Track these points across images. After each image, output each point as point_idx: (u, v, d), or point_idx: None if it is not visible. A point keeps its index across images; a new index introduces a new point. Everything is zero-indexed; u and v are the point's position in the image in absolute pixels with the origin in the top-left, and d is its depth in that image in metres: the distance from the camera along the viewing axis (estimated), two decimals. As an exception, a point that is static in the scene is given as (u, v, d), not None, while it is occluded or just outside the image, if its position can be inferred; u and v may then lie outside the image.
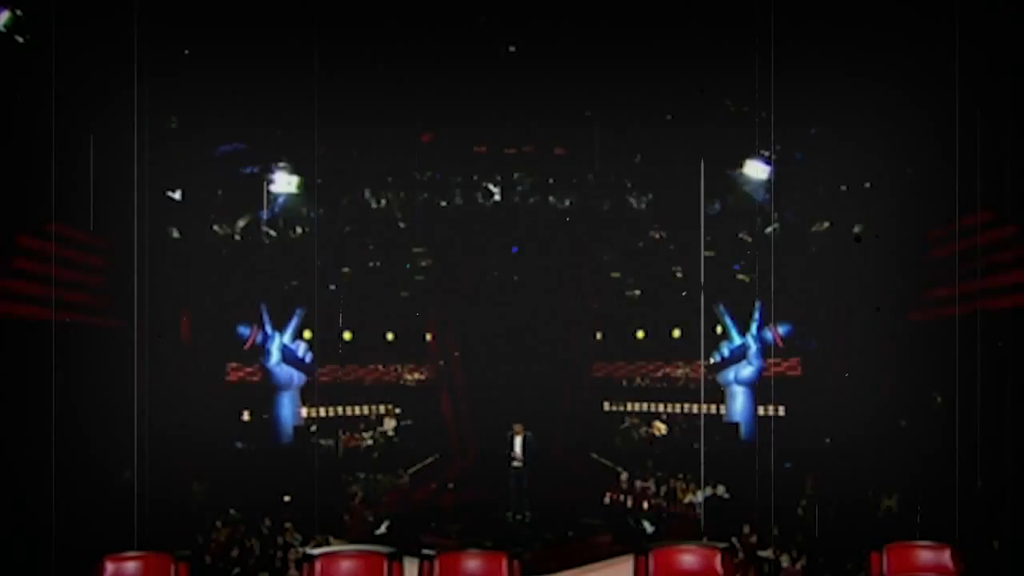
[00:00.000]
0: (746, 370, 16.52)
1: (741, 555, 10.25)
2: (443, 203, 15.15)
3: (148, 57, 9.20)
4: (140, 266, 11.61)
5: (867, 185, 13.99)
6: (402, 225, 17.24)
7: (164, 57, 9.73)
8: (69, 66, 8.95)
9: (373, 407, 20.07)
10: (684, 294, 17.80)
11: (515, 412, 14.98)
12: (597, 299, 20.93)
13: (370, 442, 18.98)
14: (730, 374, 16.80)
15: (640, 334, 20.21)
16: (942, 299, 14.60)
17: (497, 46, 11.60)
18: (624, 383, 21.46)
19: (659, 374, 19.95)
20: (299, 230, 15.98)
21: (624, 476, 16.76)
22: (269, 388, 16.62)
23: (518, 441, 14.15)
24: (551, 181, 14.93)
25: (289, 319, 16.76)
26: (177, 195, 13.77)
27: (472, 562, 7.83)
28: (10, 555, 8.98)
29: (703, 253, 16.40)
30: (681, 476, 15.79)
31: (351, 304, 19.17)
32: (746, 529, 11.85)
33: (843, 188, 13.31)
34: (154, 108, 9.90)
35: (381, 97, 12.39)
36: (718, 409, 17.72)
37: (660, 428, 19.15)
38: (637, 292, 19.77)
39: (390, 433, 19.71)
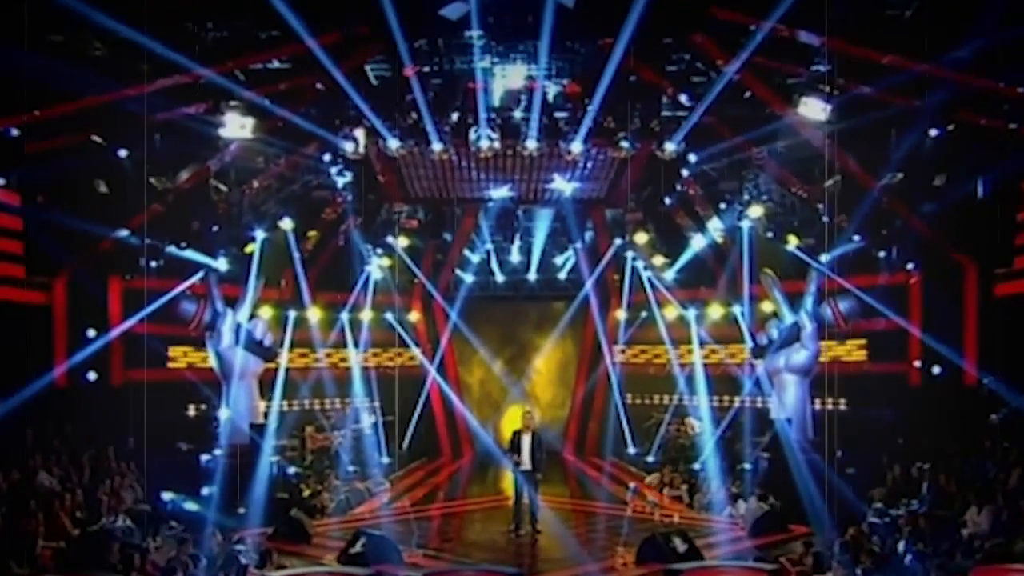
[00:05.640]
0: (799, 355, 16.34)
1: (793, 579, 10.28)
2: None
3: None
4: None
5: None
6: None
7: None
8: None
9: (347, 400, 20.02)
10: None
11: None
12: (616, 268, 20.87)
13: (343, 442, 18.92)
14: (780, 360, 16.64)
15: (670, 310, 20.05)
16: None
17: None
18: (651, 371, 21.43)
19: (692, 359, 19.81)
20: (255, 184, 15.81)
21: (650, 482, 16.72)
22: (219, 377, 16.46)
23: (526, 440, 13.93)
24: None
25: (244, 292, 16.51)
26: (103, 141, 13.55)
27: (466, 586, 7.75)
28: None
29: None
30: (720, 484, 15.72)
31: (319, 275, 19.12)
32: (799, 548, 11.75)
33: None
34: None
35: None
36: (764, 403, 17.60)
37: (693, 425, 19.10)
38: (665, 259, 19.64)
39: (367, 431, 19.67)
